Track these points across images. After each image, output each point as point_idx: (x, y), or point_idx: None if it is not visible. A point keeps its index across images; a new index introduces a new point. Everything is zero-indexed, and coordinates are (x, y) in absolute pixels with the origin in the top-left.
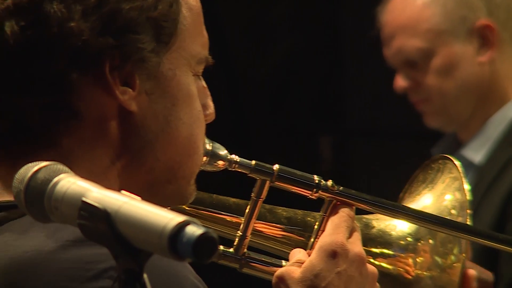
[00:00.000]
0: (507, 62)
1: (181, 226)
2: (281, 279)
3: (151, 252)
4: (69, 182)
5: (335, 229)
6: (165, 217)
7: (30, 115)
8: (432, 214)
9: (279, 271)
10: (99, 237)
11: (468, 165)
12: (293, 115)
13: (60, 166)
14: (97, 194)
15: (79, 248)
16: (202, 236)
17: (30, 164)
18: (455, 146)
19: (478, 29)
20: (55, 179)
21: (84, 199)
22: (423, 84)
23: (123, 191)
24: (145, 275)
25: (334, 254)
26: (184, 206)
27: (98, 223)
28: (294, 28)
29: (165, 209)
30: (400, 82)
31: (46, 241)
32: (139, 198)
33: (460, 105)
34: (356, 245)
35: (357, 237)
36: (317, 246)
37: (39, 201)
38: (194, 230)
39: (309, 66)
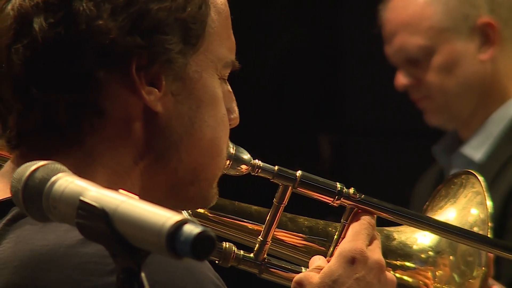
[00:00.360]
0: (508, 60)
1: (179, 225)
2: (300, 284)
3: (149, 251)
4: (67, 181)
5: (355, 236)
6: (163, 216)
7: (56, 112)
8: (453, 225)
9: (297, 276)
10: (97, 236)
11: (468, 163)
12: (292, 114)
13: (58, 165)
14: (95, 193)
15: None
16: (200, 234)
17: (28, 163)
18: (456, 144)
19: (480, 27)
20: (53, 178)
21: (82, 198)
22: (424, 81)
23: (121, 190)
24: (143, 274)
25: (353, 260)
26: (206, 212)
27: (96, 222)
28: (293, 26)
29: (163, 208)
30: (402, 79)
31: (66, 235)
32: (137, 197)
33: (462, 103)
34: (375, 253)
35: (377, 244)
36: (336, 252)
37: (37, 200)
38: (191, 228)
39: (309, 65)
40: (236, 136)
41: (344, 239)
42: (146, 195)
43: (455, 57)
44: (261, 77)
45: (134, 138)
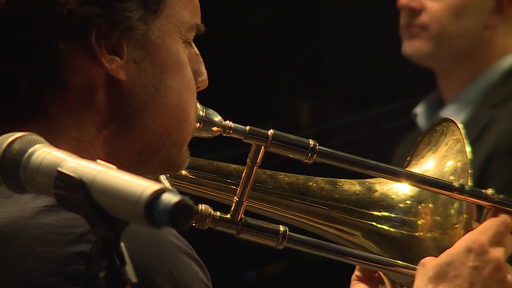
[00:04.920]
0: (506, 38)
1: (157, 194)
2: (423, 263)
3: (128, 221)
4: (45, 152)
5: (484, 230)
6: (141, 185)
7: (19, 84)
8: (420, 174)
9: (425, 258)
10: (75, 207)
11: None
12: (271, 82)
13: (35, 137)
14: (73, 164)
15: (58, 213)
16: (178, 203)
17: (4, 135)
18: (436, 108)
19: None
20: (31, 150)
21: (59, 169)
22: (429, 11)
23: (98, 160)
24: (122, 244)
25: (470, 250)
26: (186, 173)
27: (74, 192)
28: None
29: (141, 177)
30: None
31: (25, 207)
32: (114, 167)
33: (451, 50)
34: (497, 251)
35: (502, 246)
36: (461, 239)
37: (14, 172)
38: (170, 197)
39: (289, 32)
40: (215, 103)
41: (473, 229)
42: (113, 163)
43: (466, 7)
44: (241, 45)
45: (97, 107)
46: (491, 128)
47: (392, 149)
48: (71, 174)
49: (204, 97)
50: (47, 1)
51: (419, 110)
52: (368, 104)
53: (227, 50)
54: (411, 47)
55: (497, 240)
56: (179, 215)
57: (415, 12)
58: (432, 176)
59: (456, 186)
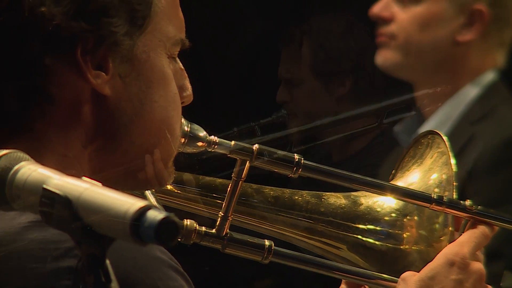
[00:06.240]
0: (484, 53)
1: (143, 211)
2: (403, 279)
3: (114, 238)
4: (30, 170)
5: (464, 242)
6: (127, 203)
7: (6, 100)
8: (397, 186)
9: (404, 273)
10: (61, 224)
11: None
12: (261, 97)
13: (21, 154)
14: (58, 181)
15: (44, 228)
16: (164, 220)
17: None
18: (418, 125)
19: (471, 10)
20: (16, 167)
21: (45, 186)
22: (397, 20)
23: (84, 177)
24: (107, 261)
25: (452, 263)
26: (172, 188)
27: (60, 210)
28: (263, 10)
29: (127, 194)
30: (379, 9)
31: (11, 223)
32: (100, 184)
33: (419, 61)
34: (478, 262)
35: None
36: (441, 252)
37: (0, 189)
38: (155, 214)
39: (278, 49)
40: (204, 118)
41: (453, 242)
42: (98, 179)
43: (433, 19)
44: (231, 60)
45: (83, 122)
46: (471, 145)
47: (392, 144)
48: (57, 191)
49: (191, 110)
50: (33, 16)
51: (399, 128)
52: (369, 98)
53: (216, 64)
54: (381, 56)
55: (477, 251)
56: (165, 232)
57: (385, 21)
58: (417, 189)
59: (435, 197)
